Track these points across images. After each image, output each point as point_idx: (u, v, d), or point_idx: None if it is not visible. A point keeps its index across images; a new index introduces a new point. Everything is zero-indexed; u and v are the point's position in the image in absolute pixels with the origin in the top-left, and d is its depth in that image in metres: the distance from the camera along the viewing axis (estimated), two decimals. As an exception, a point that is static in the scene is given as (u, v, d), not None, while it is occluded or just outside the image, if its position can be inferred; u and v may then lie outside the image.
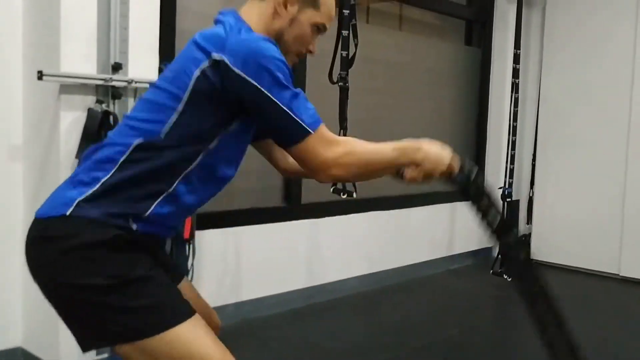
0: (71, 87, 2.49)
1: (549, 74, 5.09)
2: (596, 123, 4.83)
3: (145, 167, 1.40)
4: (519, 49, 4.36)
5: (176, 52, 3.02)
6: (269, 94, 1.36)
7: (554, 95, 5.06)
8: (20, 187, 2.68)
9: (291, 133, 1.40)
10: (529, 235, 5.24)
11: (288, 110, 1.38)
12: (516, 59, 4.35)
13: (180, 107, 1.40)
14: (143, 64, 2.68)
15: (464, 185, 1.58)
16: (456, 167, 1.57)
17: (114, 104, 2.59)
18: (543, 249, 5.14)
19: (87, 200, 1.38)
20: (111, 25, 2.57)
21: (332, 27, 3.28)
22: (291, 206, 3.73)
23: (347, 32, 3.30)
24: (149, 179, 1.41)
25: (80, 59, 2.50)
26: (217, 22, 1.51)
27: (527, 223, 5.28)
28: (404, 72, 4.51)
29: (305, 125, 1.39)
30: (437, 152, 1.54)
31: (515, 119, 4.40)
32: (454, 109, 5.02)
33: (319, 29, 1.60)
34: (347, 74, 3.33)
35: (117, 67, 2.58)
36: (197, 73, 1.38)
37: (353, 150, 1.46)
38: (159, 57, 2.76)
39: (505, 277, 4.31)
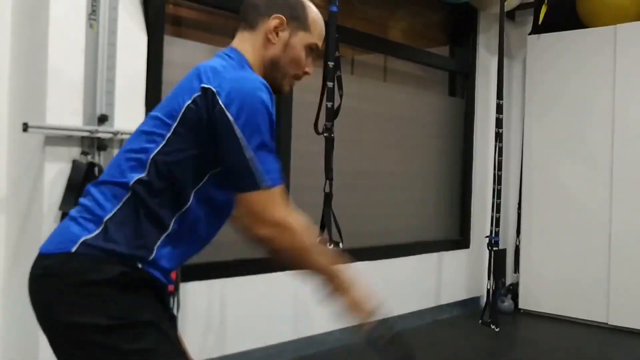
0: (56, 138, 2.49)
1: (531, 124, 5.17)
2: (579, 172, 4.88)
3: (144, 205, 1.39)
4: (502, 100, 4.43)
5: (162, 103, 3.03)
6: (239, 133, 1.36)
7: (537, 145, 5.13)
8: (2, 238, 2.64)
9: (246, 180, 1.39)
10: (517, 284, 5.22)
11: (250, 157, 1.37)
12: (499, 109, 4.42)
13: (168, 134, 1.41)
14: (129, 116, 2.69)
15: (375, 341, 1.58)
16: (373, 321, 1.59)
17: (99, 155, 2.58)
18: (530, 298, 5.11)
19: (92, 238, 1.37)
20: (98, 77, 2.59)
21: (317, 79, 3.34)
22: (277, 257, 3.70)
23: (332, 83, 3.34)
24: (149, 217, 1.40)
25: (66, 110, 2.50)
26: (216, 55, 1.54)
27: (515, 272, 5.26)
28: (389, 123, 4.56)
29: (259, 179, 1.38)
30: (363, 297, 1.58)
31: (500, 168, 4.44)
32: (439, 158, 5.07)
33: (312, 49, 1.62)
34: (332, 125, 3.36)
35: (103, 119, 2.58)
36: (188, 102, 1.40)
37: (296, 229, 1.44)
38: (145, 109, 2.78)
39: (494, 327, 4.27)
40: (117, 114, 2.64)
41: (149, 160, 1.40)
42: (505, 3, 4.43)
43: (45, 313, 1.39)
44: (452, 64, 5.24)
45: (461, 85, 5.29)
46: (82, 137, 2.54)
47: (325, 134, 3.37)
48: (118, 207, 1.39)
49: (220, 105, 1.37)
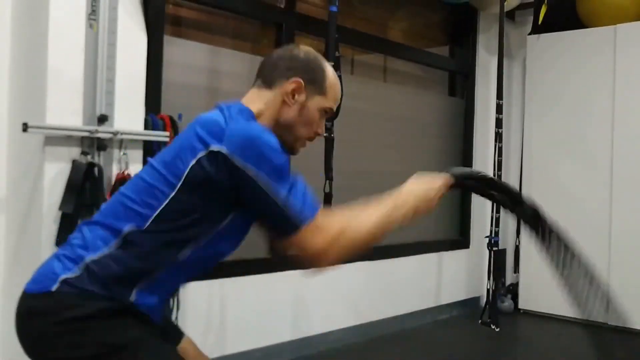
0: (56, 138, 2.49)
1: (531, 124, 5.17)
2: (579, 172, 4.88)
3: (132, 255, 1.39)
4: (502, 100, 4.43)
5: (162, 103, 3.03)
6: (266, 185, 1.36)
7: (537, 145, 5.13)
8: (2, 238, 2.64)
9: (284, 226, 1.39)
10: (517, 284, 5.22)
11: (283, 205, 1.37)
12: (499, 109, 4.42)
13: (172, 193, 1.39)
14: (129, 116, 2.69)
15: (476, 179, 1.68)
16: (445, 185, 1.66)
17: (99, 155, 2.58)
18: (530, 298, 5.11)
19: (72, 278, 1.38)
20: (98, 77, 2.59)
21: (318, 79, 3.33)
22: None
23: (332, 83, 3.33)
24: (134, 266, 1.39)
25: (66, 110, 2.50)
26: (217, 107, 1.50)
27: (515, 272, 5.26)
28: (389, 123, 4.56)
29: (298, 220, 1.38)
30: (423, 189, 1.61)
31: (499, 168, 4.44)
32: (439, 158, 5.06)
33: (327, 112, 1.62)
34: (332, 125, 3.36)
35: (103, 119, 2.58)
36: (192, 162, 1.38)
37: (343, 232, 1.43)
38: (145, 109, 2.77)
39: (494, 327, 4.27)
40: (117, 114, 2.64)
41: (151, 218, 1.39)
42: (505, 3, 4.43)
43: (32, 351, 1.42)
44: (452, 64, 5.24)
45: (461, 85, 5.29)
46: (82, 137, 2.54)
47: (325, 134, 3.37)
48: (104, 251, 1.39)
49: (236, 163, 1.35)
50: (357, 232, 1.46)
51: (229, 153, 1.35)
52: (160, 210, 1.39)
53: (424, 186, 1.59)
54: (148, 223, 1.39)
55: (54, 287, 1.37)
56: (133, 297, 1.39)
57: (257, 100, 1.54)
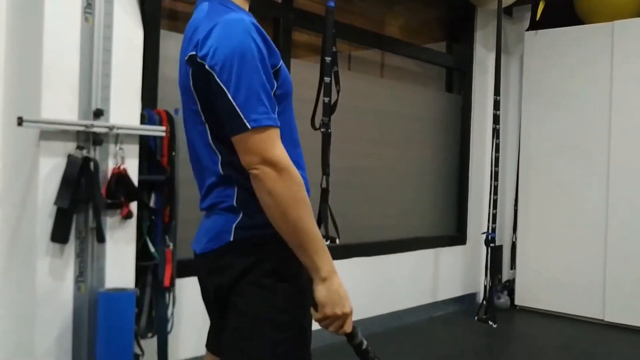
0: (51, 133, 2.47)
1: (529, 120, 5.17)
2: (576, 169, 4.88)
3: (240, 177, 1.46)
4: (499, 96, 4.42)
5: (158, 98, 3.02)
6: (224, 86, 1.39)
7: (534, 141, 5.13)
8: (-4, 235, 2.63)
9: (234, 122, 1.40)
10: (513, 281, 5.22)
11: (237, 103, 1.38)
12: (496, 105, 4.41)
13: (203, 117, 1.50)
14: (125, 110, 2.67)
15: (357, 347, 1.53)
16: (350, 322, 1.51)
17: (94, 150, 2.56)
18: (527, 295, 5.12)
19: (241, 222, 1.46)
20: (93, 72, 2.57)
21: (315, 74, 3.33)
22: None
23: (329, 79, 3.33)
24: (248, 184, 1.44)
25: (61, 105, 2.48)
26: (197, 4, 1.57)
27: (511, 268, 5.26)
28: (386, 119, 4.55)
29: (247, 118, 1.38)
30: (342, 291, 1.48)
31: (496, 164, 4.43)
32: (435, 154, 5.06)
33: None
34: (329, 120, 3.35)
35: (98, 113, 2.56)
36: (191, 80, 1.47)
37: (294, 174, 1.40)
38: (141, 103, 2.76)
39: (491, 323, 4.27)
40: (113, 109, 2.62)
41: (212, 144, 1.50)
42: (503, -1, 4.42)
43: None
44: (449, 60, 5.23)
45: (458, 81, 5.28)
46: (78, 132, 2.52)
47: (322, 130, 3.36)
48: (234, 188, 1.49)
49: (207, 67, 1.41)
50: (300, 193, 1.40)
51: (203, 56, 1.45)
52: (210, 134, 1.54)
53: (342, 291, 1.50)
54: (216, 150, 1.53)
55: (232, 237, 1.50)
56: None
57: None
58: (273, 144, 1.39)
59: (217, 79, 1.38)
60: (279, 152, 1.39)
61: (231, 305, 1.50)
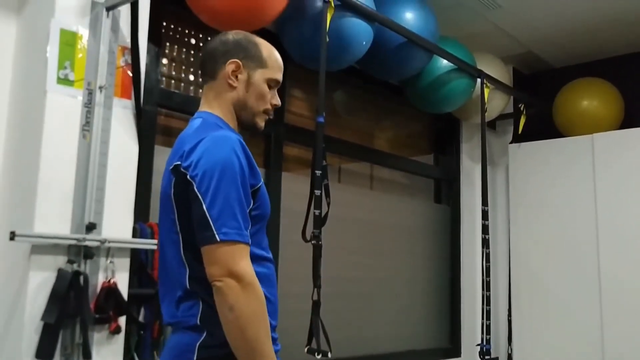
0: (43, 247, 2.47)
1: (517, 229, 5.22)
2: (567, 276, 4.87)
3: (205, 294, 1.48)
4: (487, 206, 4.49)
5: (151, 211, 3.05)
6: (200, 196, 1.46)
7: (524, 250, 5.15)
8: (-21, 352, 2.56)
9: (204, 233, 1.45)
10: (511, 395, 5.06)
11: (210, 214, 1.44)
12: (484, 215, 4.47)
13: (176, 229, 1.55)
14: (117, 224, 2.69)
15: None
16: None
17: (85, 263, 2.56)
18: (526, 410, 4.94)
19: (204, 342, 1.47)
20: (88, 186, 2.61)
21: (305, 188, 3.39)
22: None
23: (319, 191, 3.38)
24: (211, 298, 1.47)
25: (54, 219, 2.50)
26: (190, 122, 1.68)
27: (508, 382, 5.11)
28: (376, 230, 4.59)
29: (217, 231, 1.42)
30: None
31: (488, 274, 4.42)
32: (426, 265, 5.05)
33: (274, 82, 1.70)
34: (320, 232, 3.37)
35: (91, 227, 2.58)
36: (173, 190, 1.55)
37: (258, 291, 1.42)
38: (134, 217, 2.78)
39: None
40: (106, 222, 2.64)
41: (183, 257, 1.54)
42: (486, 114, 4.59)
43: None
44: (436, 172, 5.35)
45: (446, 192, 5.37)
46: (69, 245, 2.53)
47: (313, 242, 3.38)
48: (199, 305, 1.52)
49: (188, 177, 1.49)
50: (261, 310, 1.43)
51: (185, 167, 1.59)
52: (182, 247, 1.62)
53: None
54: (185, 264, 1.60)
55: (194, 357, 1.54)
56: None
57: (210, 96, 1.67)
58: (241, 258, 1.41)
59: (195, 189, 1.44)
60: (245, 266, 1.41)
61: None
